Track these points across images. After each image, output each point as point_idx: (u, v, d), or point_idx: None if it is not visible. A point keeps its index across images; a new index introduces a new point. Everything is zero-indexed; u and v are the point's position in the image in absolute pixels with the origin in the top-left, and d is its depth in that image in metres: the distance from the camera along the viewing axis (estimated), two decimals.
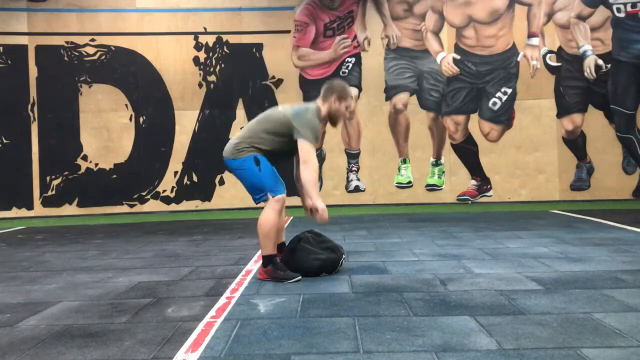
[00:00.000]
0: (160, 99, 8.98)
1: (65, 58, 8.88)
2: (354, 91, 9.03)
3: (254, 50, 9.08)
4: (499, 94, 8.96)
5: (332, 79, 3.68)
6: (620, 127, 8.85)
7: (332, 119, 3.50)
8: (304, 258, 3.49)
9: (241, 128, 3.83)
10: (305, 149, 3.27)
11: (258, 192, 3.37)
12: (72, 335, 2.46)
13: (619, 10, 8.77)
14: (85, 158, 8.89)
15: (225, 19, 9.08)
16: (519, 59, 8.95)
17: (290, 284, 3.32)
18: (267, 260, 3.41)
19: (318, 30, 9.04)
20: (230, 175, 3.61)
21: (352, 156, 9.08)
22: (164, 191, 8.98)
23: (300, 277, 3.39)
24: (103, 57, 8.93)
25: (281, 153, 3.44)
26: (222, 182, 8.91)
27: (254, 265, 4.01)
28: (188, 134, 9.02)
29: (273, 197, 3.33)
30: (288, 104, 3.61)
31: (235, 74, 9.05)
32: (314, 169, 3.28)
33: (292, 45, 9.05)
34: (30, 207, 8.78)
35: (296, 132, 3.29)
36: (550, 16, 8.96)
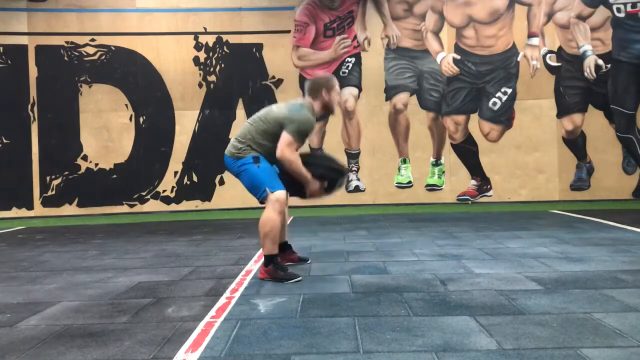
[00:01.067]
0: (160, 99, 8.98)
1: (65, 58, 8.89)
2: (354, 91, 9.08)
3: (254, 50, 9.08)
4: (499, 94, 8.97)
5: (314, 76, 3.79)
6: (620, 127, 8.85)
7: (328, 109, 3.63)
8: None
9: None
10: (286, 142, 3.36)
11: (258, 190, 3.41)
12: (72, 335, 2.46)
13: (619, 10, 8.77)
14: (85, 158, 8.90)
15: (225, 19, 9.08)
16: (519, 59, 8.95)
17: (290, 284, 3.32)
18: (268, 259, 3.41)
19: (318, 30, 9.05)
20: (231, 175, 3.63)
21: (352, 156, 9.08)
22: (164, 191, 8.98)
23: (301, 278, 3.39)
24: (103, 57, 8.93)
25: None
26: (222, 182, 8.91)
27: (254, 265, 4.01)
28: (188, 134, 9.02)
29: (272, 192, 3.35)
30: (283, 103, 3.67)
31: (235, 74, 9.06)
32: (292, 161, 3.37)
33: (292, 45, 9.05)
34: (30, 207, 8.78)
35: (285, 127, 3.39)
36: (550, 16, 8.96)
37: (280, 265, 3.42)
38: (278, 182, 3.41)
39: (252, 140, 3.46)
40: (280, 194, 3.36)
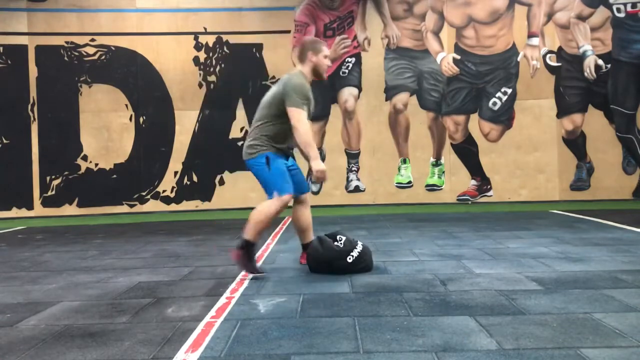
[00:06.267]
0: (160, 99, 8.98)
1: (65, 58, 8.89)
2: (354, 91, 9.08)
3: (254, 50, 9.08)
4: (499, 94, 8.97)
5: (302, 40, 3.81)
6: (620, 127, 8.85)
7: (317, 73, 3.62)
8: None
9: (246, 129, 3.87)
10: (293, 115, 3.39)
11: (269, 191, 3.48)
12: (72, 335, 2.45)
13: (619, 10, 8.77)
14: (85, 158, 8.90)
15: (225, 19, 9.08)
16: (519, 59, 8.95)
17: (291, 284, 3.32)
18: (245, 244, 3.46)
19: (318, 30, 9.05)
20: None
21: (352, 156, 9.08)
22: (164, 191, 8.98)
23: (265, 274, 3.47)
24: (103, 57, 8.93)
25: (289, 130, 3.52)
26: (222, 182, 8.91)
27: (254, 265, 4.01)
28: (188, 134, 9.02)
29: (279, 196, 3.42)
30: (275, 85, 3.68)
31: (235, 74, 9.05)
32: (305, 132, 3.39)
33: (292, 45, 9.05)
34: (30, 207, 8.78)
35: (286, 102, 3.41)
36: (550, 16, 8.96)
37: (253, 255, 3.49)
38: (288, 186, 3.45)
39: (260, 137, 3.50)
40: (286, 198, 3.43)
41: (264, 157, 3.45)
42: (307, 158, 3.46)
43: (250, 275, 3.62)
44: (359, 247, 3.61)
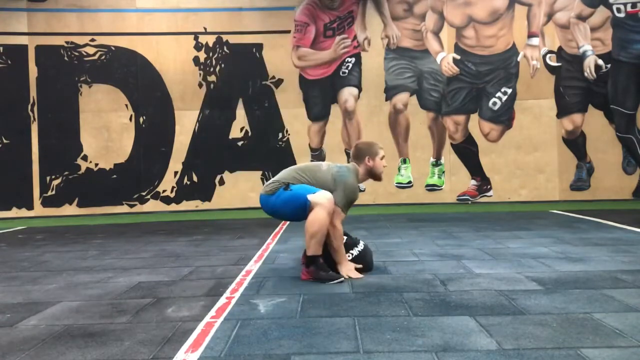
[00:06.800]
0: (160, 99, 8.98)
1: (65, 58, 8.89)
2: (354, 91, 9.08)
3: (254, 50, 9.08)
4: (499, 94, 8.97)
5: (357, 142, 3.77)
6: (620, 127, 8.85)
7: (374, 175, 3.63)
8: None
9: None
10: (336, 214, 3.34)
11: (301, 205, 3.33)
12: (72, 335, 2.45)
13: (619, 10, 8.77)
14: (85, 158, 8.90)
15: (225, 19, 9.08)
16: (519, 59, 8.95)
17: (291, 284, 3.32)
18: (310, 260, 3.36)
19: (318, 30, 9.05)
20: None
21: None
22: (164, 191, 8.98)
23: (343, 279, 3.33)
24: (103, 57, 8.94)
25: None
26: (222, 182, 8.91)
27: (254, 265, 4.01)
28: (188, 134, 9.02)
29: (315, 195, 3.29)
30: (331, 163, 3.62)
31: (235, 74, 9.06)
32: (339, 235, 3.36)
33: (292, 45, 9.05)
34: (30, 207, 8.78)
35: (334, 193, 3.36)
36: (550, 16, 8.96)
37: (322, 265, 3.35)
38: (316, 189, 3.36)
39: (290, 180, 3.44)
40: (325, 193, 3.31)
41: (282, 188, 3.39)
42: (334, 256, 3.43)
43: (250, 275, 3.62)
44: (360, 247, 3.61)
